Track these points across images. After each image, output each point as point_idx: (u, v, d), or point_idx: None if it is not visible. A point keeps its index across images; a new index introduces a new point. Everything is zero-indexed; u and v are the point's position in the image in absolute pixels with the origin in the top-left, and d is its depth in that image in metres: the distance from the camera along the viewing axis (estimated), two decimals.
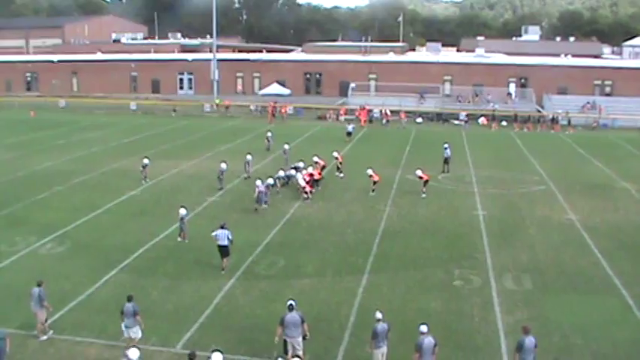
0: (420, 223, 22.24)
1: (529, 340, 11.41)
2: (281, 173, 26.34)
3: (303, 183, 25.27)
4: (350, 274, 17.08)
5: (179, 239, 19.65)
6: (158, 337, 13.44)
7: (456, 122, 51.39)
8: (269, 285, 16.31)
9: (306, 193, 25.01)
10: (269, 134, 37.09)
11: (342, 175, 29.63)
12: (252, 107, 57.45)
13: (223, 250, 16.86)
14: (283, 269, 17.49)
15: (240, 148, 35.72)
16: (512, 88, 57.21)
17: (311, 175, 26.34)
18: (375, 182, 26.23)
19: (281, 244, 19.62)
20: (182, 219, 19.62)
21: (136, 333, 12.68)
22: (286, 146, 32.35)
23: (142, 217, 22.64)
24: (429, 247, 19.54)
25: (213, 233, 17.01)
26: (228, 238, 16.77)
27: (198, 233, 18.87)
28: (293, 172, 27.00)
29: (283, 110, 53.13)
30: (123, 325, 12.70)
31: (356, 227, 21.59)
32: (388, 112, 51.19)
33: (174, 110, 55.79)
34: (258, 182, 23.32)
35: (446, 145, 31.54)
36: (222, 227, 17.01)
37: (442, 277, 16.97)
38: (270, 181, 24.62)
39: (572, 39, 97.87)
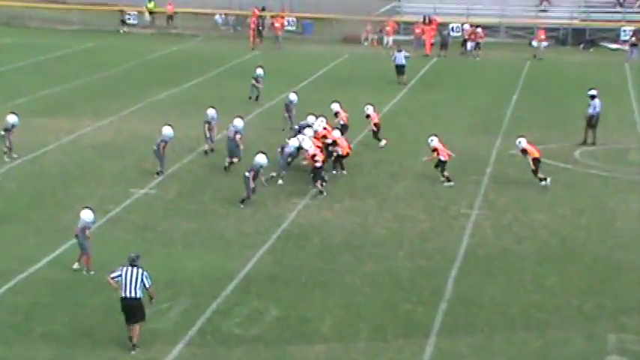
0: (537, 241, 22.30)
1: None
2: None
3: (312, 149, 25.45)
4: (403, 336, 17.11)
5: (76, 266, 19.80)
6: None
7: (613, 47, 51.49)
8: (249, 356, 16.33)
9: (316, 168, 25.12)
10: (259, 72, 37.14)
11: (382, 142, 30.15)
12: (217, 18, 57.55)
13: (131, 308, 16.48)
14: (276, 325, 17.55)
15: (196, 97, 35.98)
16: None
17: (324, 140, 26.52)
18: (443, 162, 26.39)
19: (272, 278, 19.77)
20: (83, 229, 19.68)
21: None
22: (293, 96, 32.69)
23: (5, 226, 22.82)
24: (554, 287, 19.59)
25: (113, 275, 16.70)
26: (143, 285, 16.43)
27: (115, 256, 18.88)
28: (300, 139, 26.85)
29: (277, 25, 53.37)
30: None
31: (414, 248, 21.74)
32: (478, 30, 51.01)
33: (124, 22, 57.15)
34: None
35: (593, 92, 31.60)
36: (131, 264, 16.76)
37: (583, 347, 16.94)
38: (263, 160, 24.62)
39: None
